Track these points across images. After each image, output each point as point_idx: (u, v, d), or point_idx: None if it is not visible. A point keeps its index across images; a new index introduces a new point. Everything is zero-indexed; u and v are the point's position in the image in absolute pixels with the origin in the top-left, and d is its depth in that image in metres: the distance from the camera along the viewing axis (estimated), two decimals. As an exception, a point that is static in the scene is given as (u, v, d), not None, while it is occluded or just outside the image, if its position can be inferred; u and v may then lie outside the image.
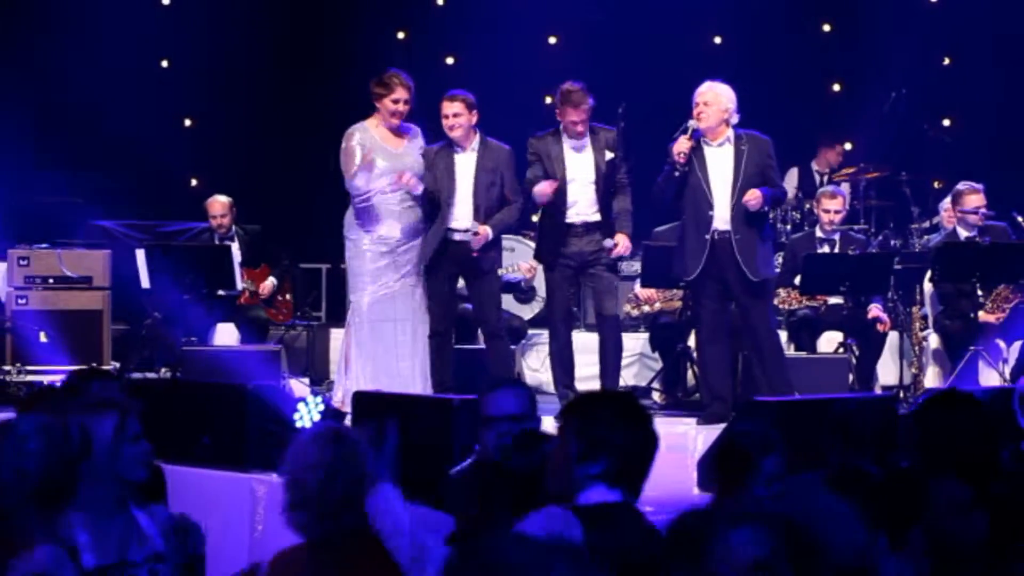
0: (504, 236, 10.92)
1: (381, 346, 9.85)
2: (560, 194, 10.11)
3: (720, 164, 9.95)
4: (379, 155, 9.81)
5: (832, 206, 11.54)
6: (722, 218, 9.92)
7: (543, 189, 10.00)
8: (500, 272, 11.04)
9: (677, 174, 9.90)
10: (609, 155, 10.14)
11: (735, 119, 10.00)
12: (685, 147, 9.86)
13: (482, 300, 10.30)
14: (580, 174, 10.16)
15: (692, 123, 9.93)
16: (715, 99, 9.94)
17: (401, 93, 9.83)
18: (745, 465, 4.89)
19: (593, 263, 10.17)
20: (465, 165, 10.10)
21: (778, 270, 10.96)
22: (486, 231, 10.00)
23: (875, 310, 11.25)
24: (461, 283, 10.43)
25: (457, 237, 10.05)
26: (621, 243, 10.14)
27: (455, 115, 10.04)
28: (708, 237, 9.92)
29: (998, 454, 4.68)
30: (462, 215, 10.08)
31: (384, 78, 9.88)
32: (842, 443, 5.42)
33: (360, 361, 9.82)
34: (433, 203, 10.05)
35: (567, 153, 10.17)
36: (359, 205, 9.92)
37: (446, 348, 10.23)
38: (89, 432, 4.56)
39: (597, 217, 10.16)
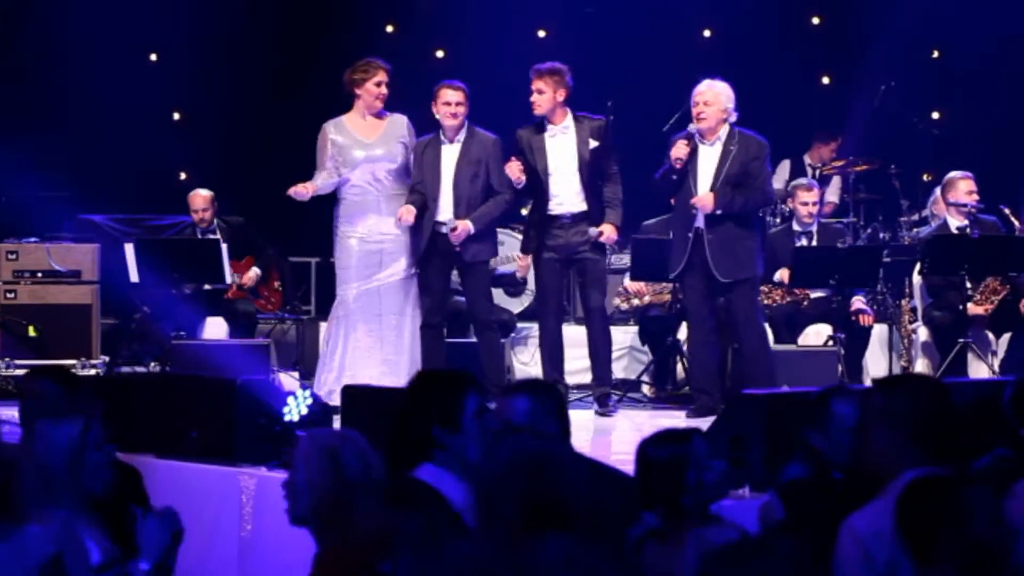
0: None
1: (366, 340, 9.85)
2: (542, 186, 10.09)
3: (707, 163, 9.93)
4: (355, 148, 9.85)
5: (809, 198, 11.56)
6: (703, 216, 9.92)
7: (510, 170, 9.97)
8: (494, 264, 11.08)
9: (675, 177, 9.89)
10: (593, 143, 10.09)
11: (733, 117, 9.96)
12: (682, 152, 9.82)
13: (471, 293, 10.31)
14: (562, 164, 10.11)
15: (693, 126, 9.90)
16: (715, 99, 9.91)
17: (383, 76, 9.94)
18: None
19: (581, 255, 10.16)
20: (449, 157, 10.10)
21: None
22: (466, 226, 9.98)
23: (857, 303, 11.26)
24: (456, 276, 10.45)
25: (444, 230, 10.06)
26: (606, 231, 10.10)
27: (458, 103, 10.05)
28: (691, 235, 9.92)
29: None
30: (446, 208, 10.07)
31: (362, 64, 9.92)
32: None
33: (343, 355, 9.81)
34: (422, 196, 10.05)
35: (548, 143, 10.13)
36: (347, 198, 9.95)
37: (438, 341, 10.23)
38: (48, 438, 4.50)
39: (583, 207, 10.11)
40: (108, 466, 4.67)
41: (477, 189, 10.08)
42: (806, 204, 11.52)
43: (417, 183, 10.06)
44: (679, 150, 9.84)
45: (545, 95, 10.02)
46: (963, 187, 11.30)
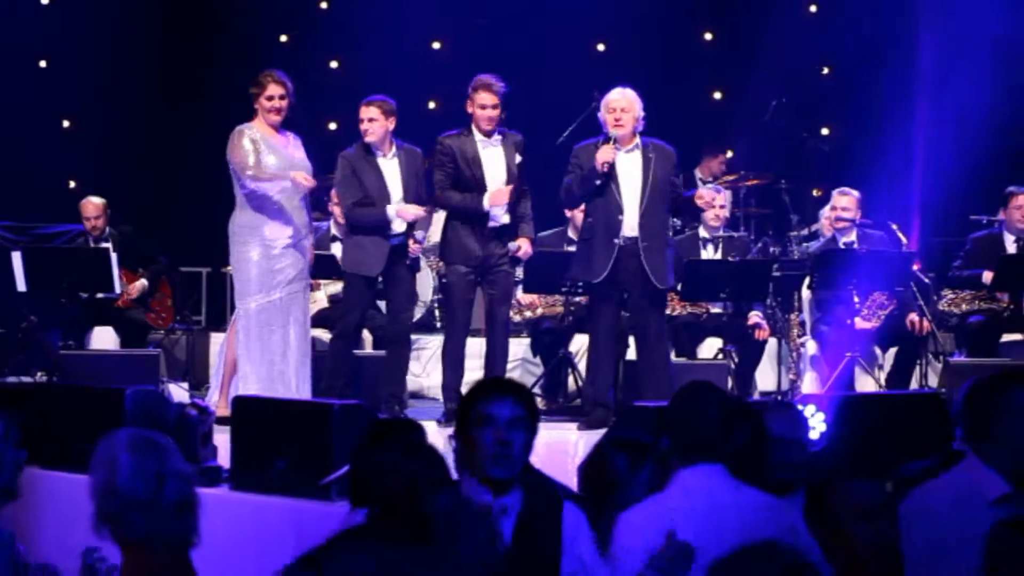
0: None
1: (270, 353, 9.74)
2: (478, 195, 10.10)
3: (630, 170, 9.98)
4: (271, 154, 9.72)
5: (717, 201, 11.70)
6: (630, 224, 9.95)
7: (499, 199, 10.00)
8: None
9: (598, 182, 9.92)
10: (519, 158, 10.15)
11: (641, 126, 10.07)
12: (610, 156, 9.86)
13: (402, 302, 10.33)
14: (495, 175, 10.14)
15: (614, 132, 9.96)
16: (630, 105, 9.99)
17: (275, 89, 9.73)
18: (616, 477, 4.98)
19: (497, 267, 10.17)
20: (391, 171, 10.11)
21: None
22: (423, 236, 10.12)
23: (755, 317, 11.37)
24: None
25: (393, 242, 10.07)
26: (524, 246, 10.17)
27: (370, 120, 10.04)
28: (616, 242, 9.96)
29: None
30: (399, 221, 10.08)
31: (257, 77, 9.83)
32: None
33: (249, 368, 9.67)
34: (365, 209, 10.02)
35: (482, 153, 10.15)
36: (249, 208, 9.73)
37: (347, 353, 10.22)
38: None
39: (507, 220, 10.16)
40: (21, 464, 4.67)
41: (416, 202, 10.14)
42: (713, 207, 11.65)
43: (363, 198, 10.02)
44: (608, 155, 9.85)
45: (498, 109, 10.07)
46: (838, 202, 11.59)
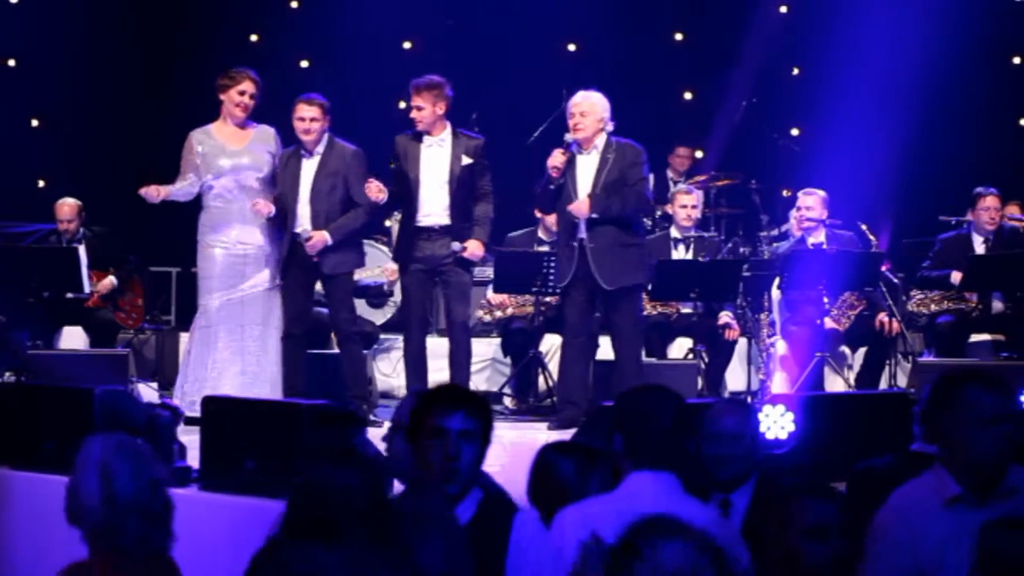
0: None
1: (228, 351, 9.77)
2: (412, 195, 10.08)
3: (585, 172, 10.02)
4: (221, 156, 9.78)
5: (689, 201, 11.76)
6: (583, 227, 9.99)
7: (369, 190, 9.93)
8: (361, 275, 11.03)
9: (553, 187, 9.97)
10: (467, 160, 10.11)
11: (610, 127, 10.06)
12: (559, 161, 9.92)
13: (333, 304, 10.28)
14: (433, 176, 10.12)
15: (569, 136, 9.98)
16: (591, 109, 10.00)
17: (247, 86, 9.85)
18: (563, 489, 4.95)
19: (446, 267, 10.15)
20: (308, 169, 10.07)
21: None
22: (322, 236, 9.95)
23: (725, 317, 11.39)
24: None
25: (301, 241, 10.04)
26: (470, 247, 10.09)
27: (312, 119, 10.00)
28: (575, 244, 10.00)
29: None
30: (303, 219, 10.05)
31: (229, 72, 9.89)
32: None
33: (205, 365, 9.72)
34: (283, 208, 10.04)
35: (423, 153, 10.13)
36: (211, 207, 9.85)
37: (298, 352, 10.17)
38: None
39: (448, 221, 10.14)
40: None
41: (335, 201, 10.04)
42: (685, 207, 11.70)
43: (279, 194, 10.04)
44: (555, 159, 9.92)
45: (425, 110, 10.02)
46: (801, 201, 11.68)
